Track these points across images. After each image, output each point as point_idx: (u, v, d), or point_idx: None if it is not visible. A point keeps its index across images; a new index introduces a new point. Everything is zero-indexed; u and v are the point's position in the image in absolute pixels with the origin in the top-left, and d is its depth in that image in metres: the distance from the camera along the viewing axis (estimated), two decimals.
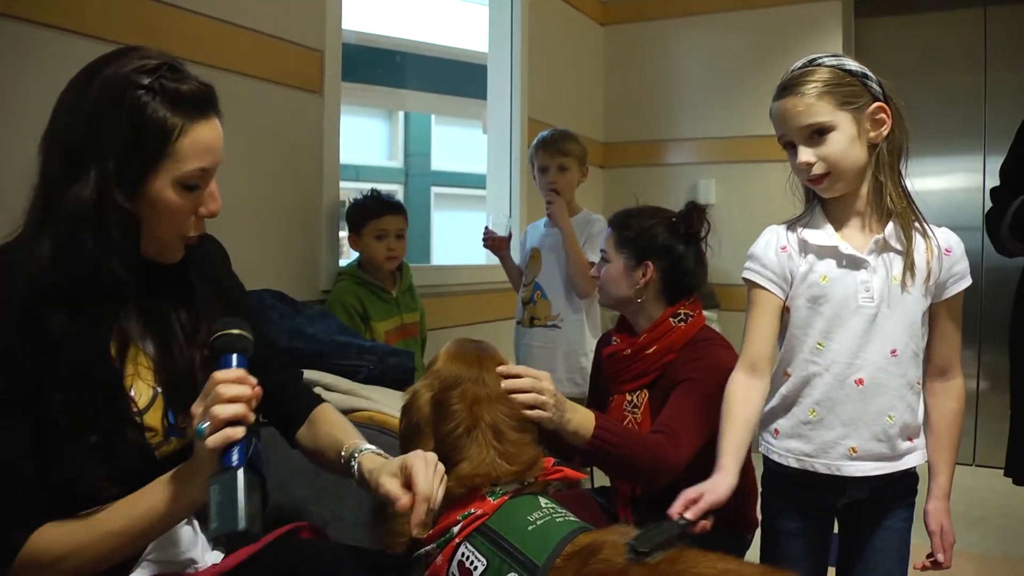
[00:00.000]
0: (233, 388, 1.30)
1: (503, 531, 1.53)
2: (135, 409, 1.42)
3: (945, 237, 1.82)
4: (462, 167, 7.51)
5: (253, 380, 1.34)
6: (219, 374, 1.32)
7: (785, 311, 1.88)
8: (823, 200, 1.87)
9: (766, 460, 1.93)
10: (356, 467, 1.56)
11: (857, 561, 1.89)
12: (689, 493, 1.65)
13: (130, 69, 1.33)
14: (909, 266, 1.77)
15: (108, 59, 1.37)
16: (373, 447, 1.61)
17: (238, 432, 1.29)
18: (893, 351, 1.78)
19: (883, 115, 1.77)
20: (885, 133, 1.78)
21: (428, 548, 1.57)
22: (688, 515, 1.61)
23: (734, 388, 1.84)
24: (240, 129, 2.68)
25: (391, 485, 1.44)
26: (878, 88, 1.79)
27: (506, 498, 1.59)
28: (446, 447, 1.63)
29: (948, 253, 1.80)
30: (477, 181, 5.96)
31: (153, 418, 1.45)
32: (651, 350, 2.22)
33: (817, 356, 1.82)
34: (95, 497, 1.35)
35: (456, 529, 1.55)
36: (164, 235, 1.43)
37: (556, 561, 1.46)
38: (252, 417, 1.32)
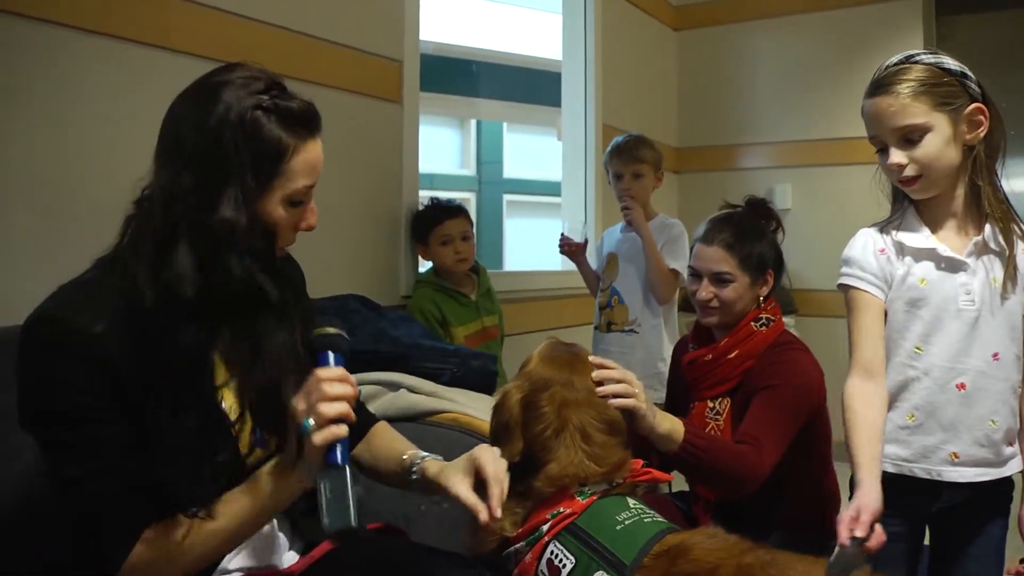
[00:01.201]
0: (337, 387, 1.34)
1: (592, 530, 1.55)
2: (229, 421, 1.43)
3: None
4: (534, 175, 7.52)
5: (353, 379, 1.38)
6: (322, 372, 1.36)
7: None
8: (915, 201, 1.83)
9: None
10: (419, 473, 1.59)
11: (950, 569, 1.86)
12: (847, 514, 1.56)
13: (246, 90, 1.35)
14: (1011, 269, 1.73)
15: (219, 74, 1.40)
16: (434, 455, 1.63)
17: (343, 430, 1.33)
18: (995, 355, 1.75)
19: (981, 116, 1.72)
20: (982, 135, 1.73)
21: (518, 546, 1.59)
22: (858, 533, 1.51)
23: (854, 398, 1.74)
24: (323, 139, 2.72)
25: (462, 487, 1.47)
26: (976, 88, 1.74)
27: (595, 498, 1.60)
28: (535, 448, 1.66)
29: None
30: (549, 188, 5.97)
31: (243, 431, 1.46)
32: (733, 355, 2.21)
33: (915, 360, 1.78)
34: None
35: (546, 527, 1.57)
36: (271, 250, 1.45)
37: (644, 560, 1.48)
38: (354, 416, 1.35)
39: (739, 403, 2.18)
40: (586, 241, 3.51)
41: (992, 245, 1.75)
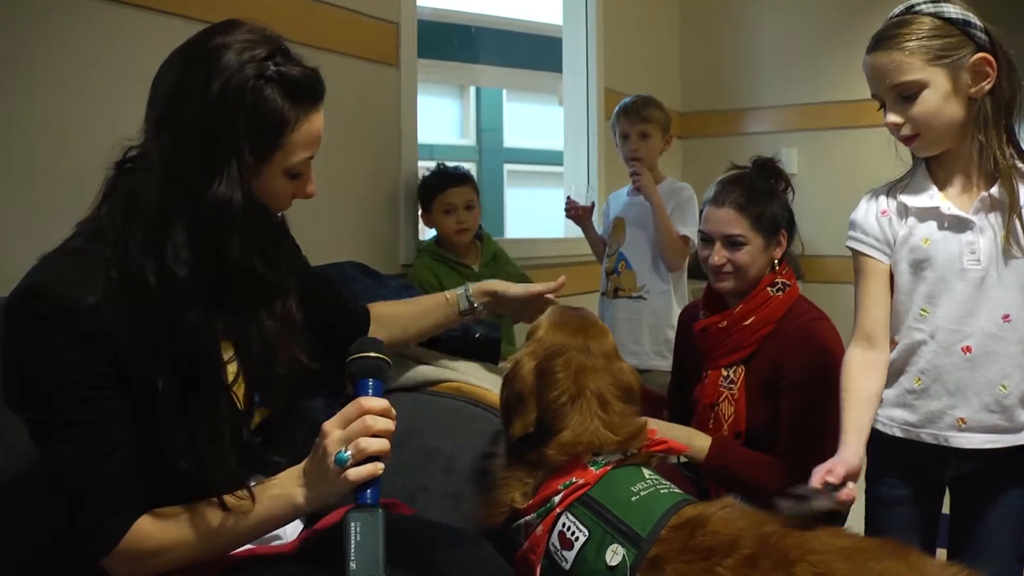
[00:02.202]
0: (380, 422, 1.29)
1: (606, 501, 1.53)
2: (227, 382, 1.39)
3: None
4: (534, 144, 7.46)
5: (394, 412, 1.33)
6: (366, 402, 1.31)
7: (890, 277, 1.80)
8: (928, 159, 1.78)
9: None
10: (473, 295, 1.90)
11: (966, 538, 1.81)
12: (824, 467, 1.56)
13: (248, 54, 1.29)
14: (1011, 227, 1.66)
15: (217, 34, 1.32)
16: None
17: (379, 468, 1.29)
18: (1005, 316, 1.68)
19: (987, 67, 1.65)
20: (988, 87, 1.65)
21: (528, 518, 1.56)
22: (832, 479, 1.51)
23: (852, 366, 1.76)
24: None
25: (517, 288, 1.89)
26: (983, 36, 1.66)
27: (609, 468, 1.58)
28: (548, 416, 1.62)
29: None
30: (550, 158, 5.92)
31: (240, 391, 1.42)
32: (749, 322, 2.15)
33: (921, 323, 1.73)
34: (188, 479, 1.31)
35: (558, 499, 1.54)
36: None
37: (661, 532, 1.45)
38: (390, 453, 1.31)
39: (755, 371, 2.14)
40: (592, 205, 3.43)
41: (1002, 199, 1.68)
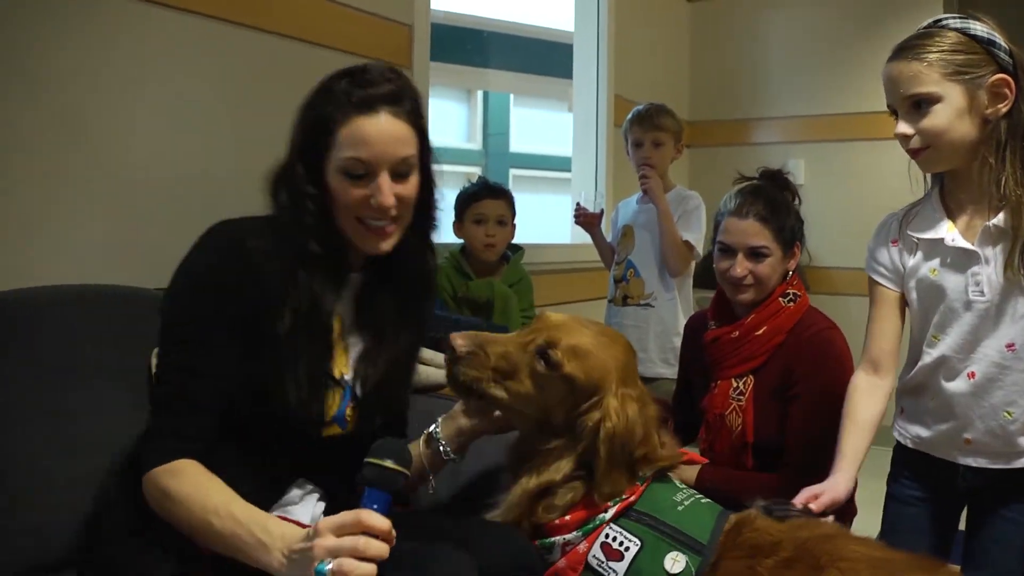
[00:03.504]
0: (374, 546, 1.22)
1: (655, 512, 1.55)
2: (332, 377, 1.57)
3: None
4: (541, 149, 7.44)
5: (394, 535, 1.25)
6: (367, 519, 1.23)
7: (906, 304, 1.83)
8: (943, 180, 1.77)
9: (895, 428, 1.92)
10: (440, 437, 1.74)
11: (976, 551, 1.82)
12: (811, 489, 1.63)
13: (336, 74, 1.54)
14: (1015, 261, 1.65)
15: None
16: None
17: None
18: (1010, 345, 1.69)
19: (1006, 89, 1.63)
20: (1005, 110, 1.64)
21: (569, 536, 1.56)
22: (813, 507, 1.60)
23: (857, 391, 1.82)
24: None
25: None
26: (1007, 58, 1.64)
27: (649, 482, 1.61)
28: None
29: None
30: (556, 163, 5.90)
31: (332, 399, 1.57)
32: (760, 332, 2.15)
33: (932, 348, 1.77)
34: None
35: (608, 514, 1.55)
36: (344, 221, 1.54)
37: (720, 539, 1.52)
38: None
39: (764, 382, 2.13)
40: (601, 212, 3.43)
41: (1007, 231, 1.67)
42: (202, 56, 2.30)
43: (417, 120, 1.55)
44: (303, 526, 1.35)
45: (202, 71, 2.30)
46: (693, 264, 3.25)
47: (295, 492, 1.58)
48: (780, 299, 2.16)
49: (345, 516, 1.23)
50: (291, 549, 1.27)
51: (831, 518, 1.60)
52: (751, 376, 2.15)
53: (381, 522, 1.23)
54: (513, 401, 1.61)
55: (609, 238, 3.46)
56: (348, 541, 1.21)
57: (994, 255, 1.68)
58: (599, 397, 1.59)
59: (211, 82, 2.33)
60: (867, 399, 1.80)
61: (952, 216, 1.74)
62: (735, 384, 2.16)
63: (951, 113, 1.64)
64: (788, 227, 2.16)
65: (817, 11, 5.07)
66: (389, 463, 1.30)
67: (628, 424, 1.58)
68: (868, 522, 1.95)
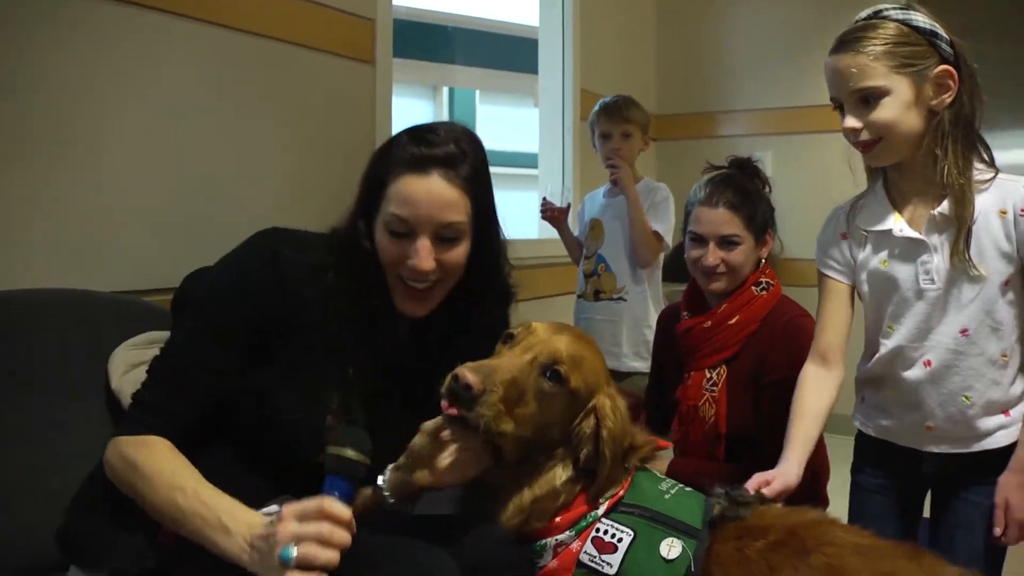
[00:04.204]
0: (338, 534, 1.23)
1: (645, 502, 1.54)
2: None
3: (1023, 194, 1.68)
4: (508, 146, 7.42)
5: (355, 526, 1.27)
6: (329, 507, 1.24)
7: (859, 295, 1.84)
8: (887, 172, 1.78)
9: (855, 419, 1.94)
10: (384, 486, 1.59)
11: (941, 536, 1.84)
12: (763, 475, 1.65)
13: (405, 128, 1.57)
14: (961, 248, 1.66)
15: None
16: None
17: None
18: (963, 331, 1.70)
19: (949, 80, 1.65)
20: (948, 100, 1.65)
21: (561, 536, 1.53)
22: (766, 492, 1.61)
23: (806, 382, 1.83)
24: (291, 99, 2.65)
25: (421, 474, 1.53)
26: (948, 49, 1.66)
27: (633, 473, 1.59)
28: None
29: None
30: (523, 160, 5.88)
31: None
32: (733, 321, 2.15)
33: (887, 338, 1.77)
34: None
35: (601, 510, 1.53)
36: (389, 276, 1.55)
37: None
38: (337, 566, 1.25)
39: (737, 372, 2.13)
40: (568, 206, 3.42)
41: (952, 219, 1.68)
42: (157, 51, 2.24)
43: (474, 186, 1.54)
44: None
45: (157, 67, 2.25)
46: (662, 256, 3.24)
47: (273, 507, 1.52)
48: (753, 288, 2.17)
49: (307, 504, 1.24)
50: (255, 535, 1.26)
51: (780, 505, 1.60)
52: (724, 367, 2.15)
53: (342, 511, 1.24)
54: (518, 430, 1.48)
55: (576, 232, 3.43)
56: (312, 527, 1.21)
57: (940, 243, 1.69)
58: (593, 402, 1.56)
59: (167, 79, 2.28)
60: (815, 391, 1.81)
61: (898, 207, 1.76)
62: (708, 375, 2.16)
63: (900, 106, 1.64)
64: (759, 215, 2.17)
65: (784, 3, 5.07)
66: (349, 452, 1.32)
67: (623, 421, 1.57)
68: (837, 512, 1.93)
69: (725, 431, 2.12)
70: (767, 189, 2.26)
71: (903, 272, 1.73)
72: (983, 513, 1.75)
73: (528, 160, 4.72)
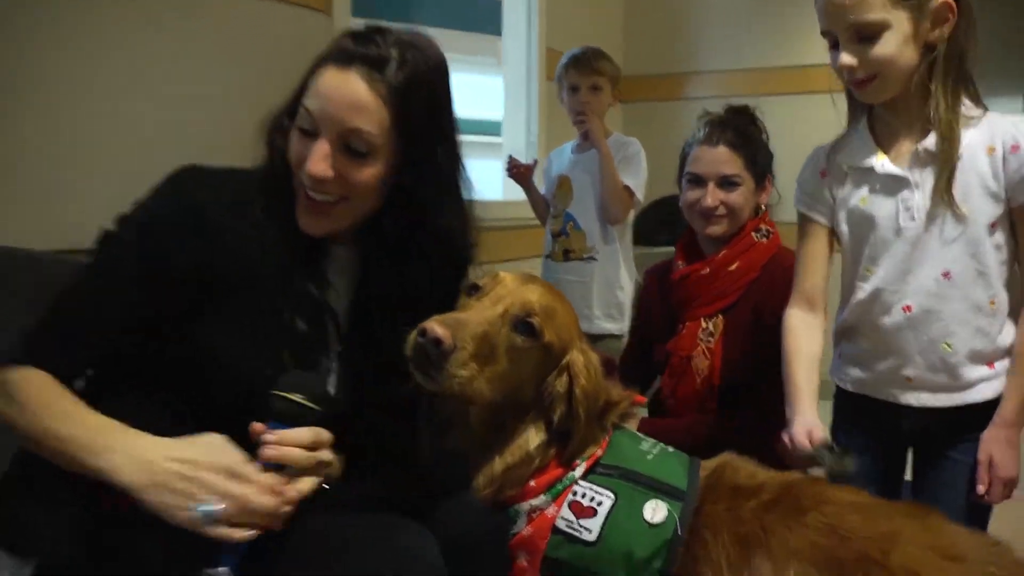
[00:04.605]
0: (267, 498, 1.16)
1: (624, 463, 1.45)
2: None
3: (1015, 132, 1.62)
4: (470, 114, 7.30)
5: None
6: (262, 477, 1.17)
7: (836, 237, 1.79)
8: (870, 111, 1.73)
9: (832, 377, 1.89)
10: None
11: (924, 498, 1.76)
12: (800, 429, 1.64)
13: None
14: (943, 184, 1.60)
15: None
16: None
17: (245, 535, 1.15)
18: (945, 273, 1.64)
19: (948, 13, 1.58)
20: (946, 33, 1.59)
21: (535, 501, 1.43)
22: (817, 437, 1.62)
23: (794, 327, 1.79)
24: (245, 48, 2.54)
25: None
26: None
27: (610, 433, 1.51)
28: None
29: (1016, 151, 1.60)
30: (486, 128, 5.76)
31: None
32: (733, 267, 2.11)
33: (865, 282, 1.72)
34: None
35: (578, 472, 1.44)
36: (296, 183, 1.38)
37: (698, 484, 1.44)
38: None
39: (735, 321, 2.09)
40: (535, 163, 3.31)
41: (936, 155, 1.62)
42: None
43: (401, 100, 1.33)
44: None
45: (103, 14, 2.15)
46: (632, 214, 3.13)
47: None
48: (753, 234, 2.13)
49: (241, 465, 1.17)
50: (166, 470, 1.16)
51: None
52: (721, 316, 2.11)
53: (267, 479, 1.16)
54: (490, 391, 1.37)
55: (542, 190, 3.32)
56: (240, 485, 1.15)
57: (923, 179, 1.65)
58: (567, 359, 1.46)
59: (114, 27, 2.18)
60: (805, 337, 1.77)
61: (881, 144, 1.71)
62: (704, 325, 2.12)
63: (898, 41, 1.58)
64: (760, 158, 2.14)
65: None
66: (298, 398, 1.20)
67: (596, 377, 1.48)
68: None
69: (719, 383, 2.07)
70: (764, 136, 2.22)
71: (883, 209, 1.68)
72: (967, 471, 1.69)
73: (491, 128, 4.61)
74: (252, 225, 1.36)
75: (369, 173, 1.34)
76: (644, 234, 3.17)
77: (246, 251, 1.35)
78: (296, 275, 1.40)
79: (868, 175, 1.70)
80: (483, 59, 6.19)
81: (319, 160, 1.31)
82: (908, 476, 1.89)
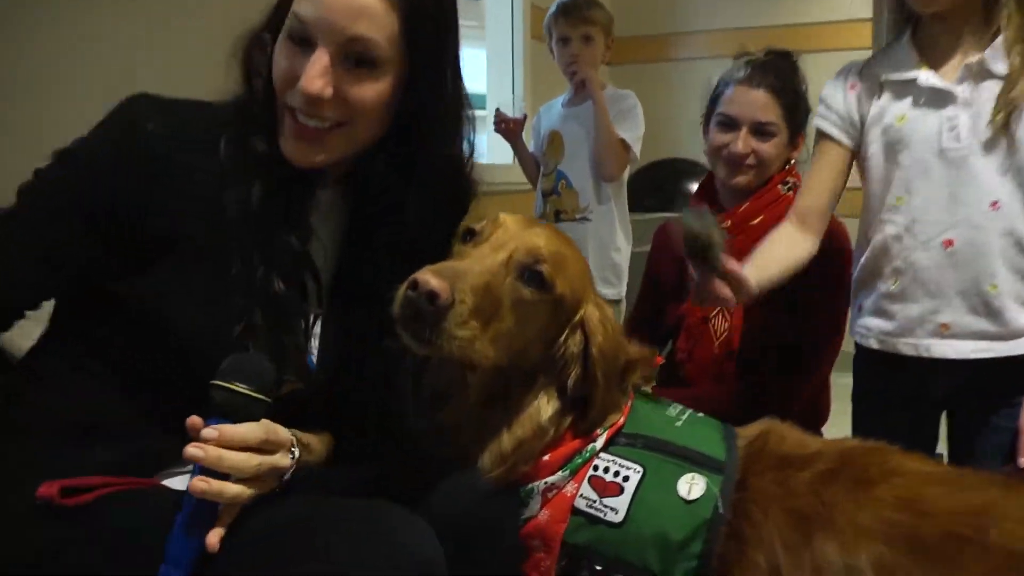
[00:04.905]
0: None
1: (651, 432, 1.28)
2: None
3: None
4: None
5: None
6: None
7: (861, 163, 1.66)
8: (915, 26, 1.60)
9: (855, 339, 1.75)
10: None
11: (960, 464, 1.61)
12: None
13: None
14: (1005, 96, 1.47)
15: None
16: None
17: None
18: (994, 203, 1.51)
19: None
20: None
21: (552, 479, 1.24)
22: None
23: (778, 236, 1.67)
24: (211, 28, 2.42)
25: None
26: None
27: (632, 398, 1.34)
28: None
29: None
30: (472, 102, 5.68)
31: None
32: (756, 221, 1.96)
33: (895, 214, 1.59)
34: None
35: (599, 443, 1.26)
36: (280, 109, 1.21)
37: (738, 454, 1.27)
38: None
39: None
40: (524, 117, 3.15)
41: (995, 67, 1.49)
42: None
43: (410, 7, 1.17)
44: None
45: None
46: (628, 169, 2.97)
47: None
48: (780, 187, 2.01)
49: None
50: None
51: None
52: None
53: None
54: (494, 353, 1.20)
55: (531, 148, 3.15)
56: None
57: (973, 97, 1.52)
58: (580, 314, 1.29)
59: None
60: (785, 244, 1.66)
61: (927, 57, 1.59)
62: None
63: None
64: (800, 110, 2.01)
65: None
66: (240, 387, 1.03)
67: (615, 334, 1.30)
68: None
69: (739, 346, 1.94)
70: (805, 88, 2.06)
71: (924, 127, 1.55)
72: (1005, 440, 1.55)
73: (475, 102, 4.44)
74: (219, 162, 1.19)
75: (374, 91, 1.18)
76: (631, 198, 3.01)
77: (210, 192, 1.18)
78: (273, 222, 1.21)
79: (909, 88, 1.58)
80: (465, 25, 6.02)
81: (316, 76, 1.14)
82: (940, 448, 1.73)
